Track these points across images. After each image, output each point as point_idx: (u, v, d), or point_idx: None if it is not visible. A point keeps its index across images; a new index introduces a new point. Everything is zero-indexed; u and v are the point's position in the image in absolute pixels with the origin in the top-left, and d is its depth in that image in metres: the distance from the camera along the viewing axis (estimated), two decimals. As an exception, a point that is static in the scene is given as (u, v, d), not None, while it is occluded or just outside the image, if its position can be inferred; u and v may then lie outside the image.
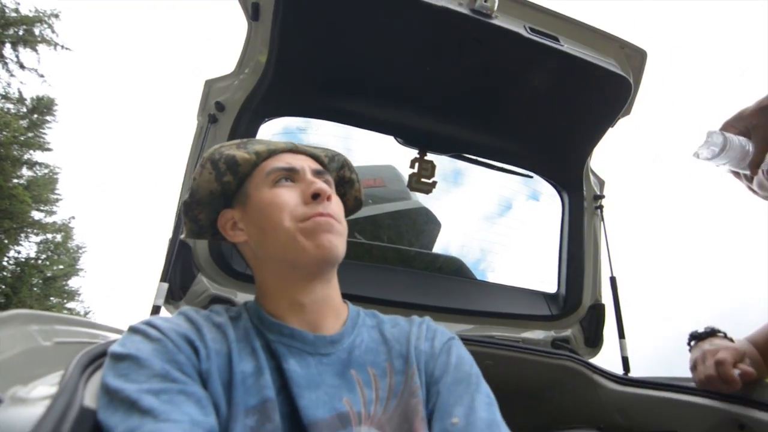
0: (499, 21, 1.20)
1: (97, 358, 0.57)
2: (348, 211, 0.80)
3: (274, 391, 0.55)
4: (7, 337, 0.55)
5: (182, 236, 0.77)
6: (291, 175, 0.68)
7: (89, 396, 0.50)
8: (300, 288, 0.64)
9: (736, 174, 1.00)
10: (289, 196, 0.65)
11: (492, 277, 1.89)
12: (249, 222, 0.68)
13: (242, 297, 1.30)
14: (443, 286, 1.62)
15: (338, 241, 0.64)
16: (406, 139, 1.56)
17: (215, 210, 0.72)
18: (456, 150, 1.59)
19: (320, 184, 0.66)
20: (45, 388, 0.49)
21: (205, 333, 0.58)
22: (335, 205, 0.68)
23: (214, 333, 0.59)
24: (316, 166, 0.72)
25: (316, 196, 0.65)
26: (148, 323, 0.56)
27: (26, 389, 0.49)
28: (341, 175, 0.79)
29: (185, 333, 0.56)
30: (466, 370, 0.64)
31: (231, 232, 0.70)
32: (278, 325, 0.62)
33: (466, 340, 0.79)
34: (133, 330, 0.55)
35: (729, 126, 0.85)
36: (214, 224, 0.73)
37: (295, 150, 0.73)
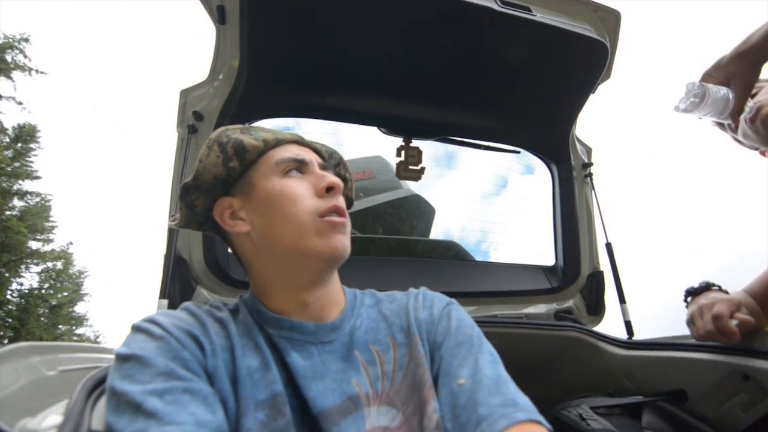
0: (468, -4, 1.18)
1: (103, 381, 0.56)
2: None
3: (282, 384, 0.55)
4: (8, 372, 0.55)
5: (173, 223, 0.73)
6: (301, 166, 0.67)
7: (96, 420, 0.50)
8: (304, 285, 0.64)
9: (721, 126, 0.99)
10: (301, 188, 0.64)
11: (491, 257, 1.90)
12: (253, 212, 0.64)
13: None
14: (443, 272, 1.62)
15: (348, 242, 0.64)
16: (390, 128, 1.55)
17: (212, 197, 0.68)
18: (440, 134, 1.58)
19: (333, 177, 0.65)
20: (55, 417, 0.49)
21: (209, 328, 0.57)
22: (342, 201, 0.67)
23: (217, 328, 0.59)
24: (320, 160, 0.71)
25: (330, 189, 0.64)
26: (151, 321, 0.55)
27: (36, 420, 0.48)
28: (337, 172, 0.78)
29: (189, 329, 0.55)
30: (467, 332, 0.64)
31: (230, 221, 0.66)
32: (278, 320, 0.62)
33: None
34: (136, 329, 0.54)
35: (708, 76, 0.84)
36: (208, 213, 0.70)
37: (301, 142, 0.72)
